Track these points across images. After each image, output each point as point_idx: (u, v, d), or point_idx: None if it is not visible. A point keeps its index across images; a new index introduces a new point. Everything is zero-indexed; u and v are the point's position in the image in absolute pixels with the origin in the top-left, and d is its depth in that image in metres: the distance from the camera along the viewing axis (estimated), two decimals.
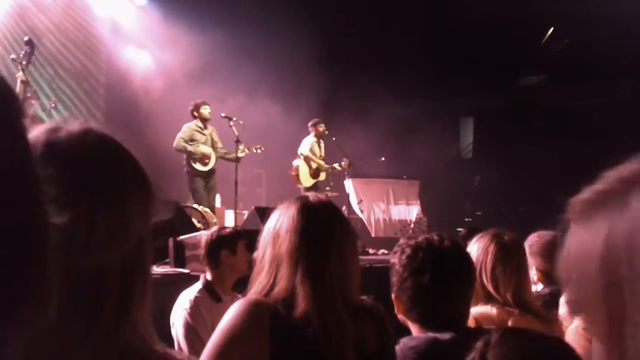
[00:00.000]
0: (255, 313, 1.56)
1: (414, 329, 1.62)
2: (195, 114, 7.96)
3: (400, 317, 1.67)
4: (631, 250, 0.52)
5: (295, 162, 8.99)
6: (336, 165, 8.97)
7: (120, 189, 0.80)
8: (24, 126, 0.48)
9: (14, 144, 0.46)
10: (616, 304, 0.52)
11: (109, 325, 0.76)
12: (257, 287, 1.64)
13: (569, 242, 0.58)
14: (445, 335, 1.50)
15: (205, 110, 7.94)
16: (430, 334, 1.51)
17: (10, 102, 0.48)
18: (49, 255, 0.44)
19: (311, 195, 1.77)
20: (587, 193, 0.58)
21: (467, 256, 1.71)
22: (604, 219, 0.55)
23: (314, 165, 8.96)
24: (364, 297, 1.76)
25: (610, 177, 0.57)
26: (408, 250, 1.63)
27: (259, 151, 8.15)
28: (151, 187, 0.85)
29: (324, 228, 1.67)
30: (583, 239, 0.56)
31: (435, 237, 1.66)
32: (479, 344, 0.99)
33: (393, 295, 1.67)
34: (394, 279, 1.65)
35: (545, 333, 2.21)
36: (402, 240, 1.71)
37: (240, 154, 7.83)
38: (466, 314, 1.67)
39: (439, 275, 1.60)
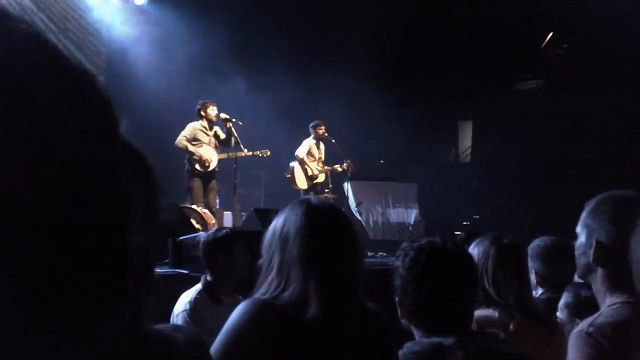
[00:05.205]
0: (263, 313, 1.55)
1: (418, 333, 1.62)
2: (202, 113, 7.84)
3: (404, 321, 1.65)
4: None
5: (291, 164, 8.97)
6: (337, 166, 8.94)
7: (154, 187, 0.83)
8: (121, 138, 0.47)
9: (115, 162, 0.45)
10: None
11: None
12: (264, 289, 1.63)
13: None
14: (449, 340, 1.50)
15: (213, 112, 7.82)
16: (434, 339, 1.51)
17: (108, 112, 0.46)
18: (129, 273, 0.43)
19: (313, 198, 1.76)
20: None
21: (470, 259, 1.70)
22: None
23: (308, 168, 8.93)
24: (368, 303, 1.76)
25: None
26: (411, 253, 1.62)
27: (264, 156, 8.10)
28: (159, 187, 0.87)
29: (332, 231, 1.67)
30: None
31: (438, 240, 1.65)
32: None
33: (397, 299, 1.65)
34: (398, 282, 1.64)
35: (546, 337, 2.22)
36: (404, 244, 1.69)
37: (243, 154, 7.78)
38: (470, 317, 1.66)
39: (443, 278, 1.59)
